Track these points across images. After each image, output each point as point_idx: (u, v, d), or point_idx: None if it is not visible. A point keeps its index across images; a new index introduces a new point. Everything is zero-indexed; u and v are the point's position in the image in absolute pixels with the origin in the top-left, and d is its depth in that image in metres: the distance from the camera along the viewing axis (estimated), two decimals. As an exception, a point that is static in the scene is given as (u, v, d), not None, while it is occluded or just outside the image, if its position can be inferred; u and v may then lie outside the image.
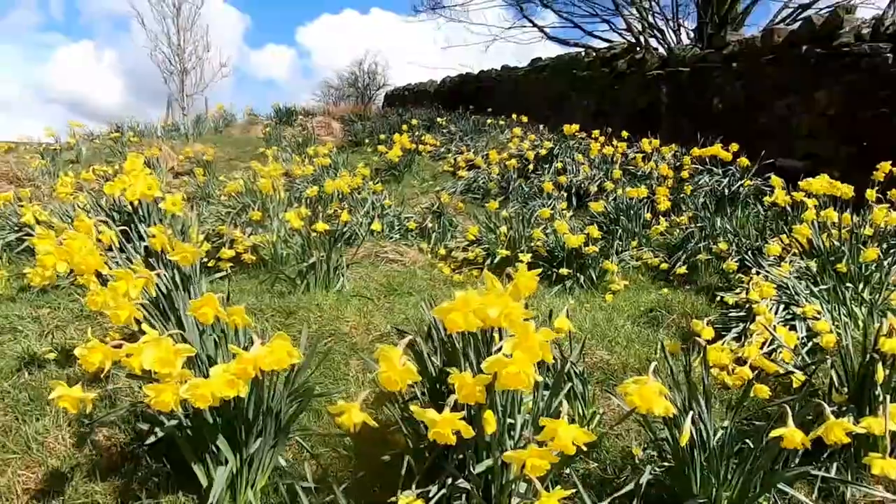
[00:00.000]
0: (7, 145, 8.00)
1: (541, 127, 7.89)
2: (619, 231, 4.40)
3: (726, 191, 5.06)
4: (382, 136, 7.50)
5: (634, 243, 4.37)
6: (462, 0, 11.56)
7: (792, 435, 1.26)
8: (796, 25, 6.03)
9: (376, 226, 3.86)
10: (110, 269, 1.89)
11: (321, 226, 2.85)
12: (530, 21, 10.90)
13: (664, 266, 3.99)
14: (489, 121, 8.51)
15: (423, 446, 1.43)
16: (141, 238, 2.60)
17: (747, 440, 1.55)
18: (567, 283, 3.83)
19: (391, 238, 4.42)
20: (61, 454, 1.66)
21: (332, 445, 1.76)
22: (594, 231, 3.95)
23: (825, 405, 1.30)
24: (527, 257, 3.89)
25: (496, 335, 1.48)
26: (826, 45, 5.20)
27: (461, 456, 1.39)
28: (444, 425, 1.10)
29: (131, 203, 2.73)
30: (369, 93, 19.75)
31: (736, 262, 3.49)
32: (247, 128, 9.56)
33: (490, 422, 1.20)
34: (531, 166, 5.96)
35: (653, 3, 8.83)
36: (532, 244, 4.12)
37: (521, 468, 1.10)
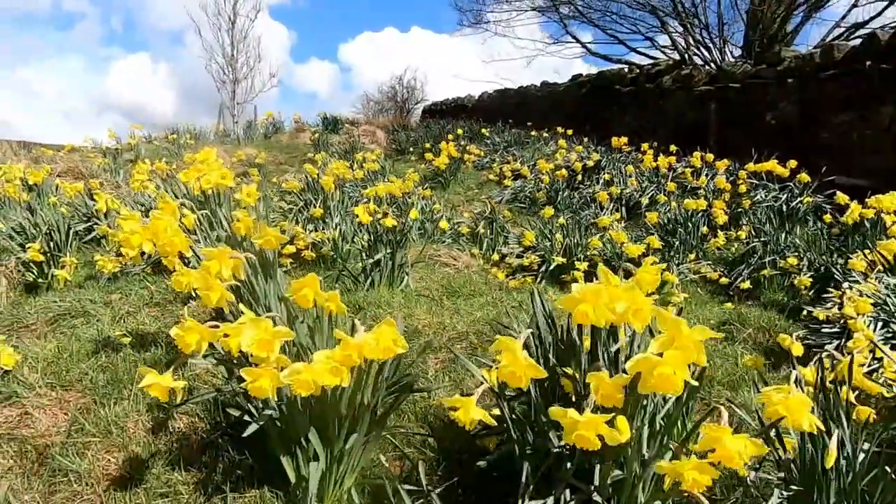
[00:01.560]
0: (70, 146, 8.27)
1: (585, 140, 7.71)
2: (677, 243, 4.19)
3: (784, 207, 4.80)
4: (428, 145, 7.43)
5: (692, 256, 4.15)
6: (506, 16, 11.50)
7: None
8: (855, 42, 5.74)
9: (444, 224, 3.76)
10: (194, 252, 1.81)
11: (390, 221, 2.74)
12: (573, 37, 10.77)
13: (724, 280, 3.76)
14: (532, 133, 8.38)
15: (530, 452, 1.27)
16: (212, 227, 2.52)
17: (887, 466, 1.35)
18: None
19: (443, 242, 4.30)
20: (141, 440, 1.56)
21: (415, 445, 1.62)
22: (654, 241, 3.76)
23: None
24: (583, 265, 3.73)
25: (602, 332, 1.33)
26: (891, 61, 4.92)
27: (573, 465, 1.23)
28: (588, 428, 0.95)
29: (203, 192, 2.67)
30: (407, 107, 19.82)
31: (808, 277, 3.25)
32: (294, 134, 9.63)
33: (623, 429, 1.05)
34: (579, 177, 5.78)
35: (699, 20, 8.62)
36: (588, 252, 3.94)
37: (675, 483, 0.93)
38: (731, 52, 9.22)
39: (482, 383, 1.62)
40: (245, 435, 1.22)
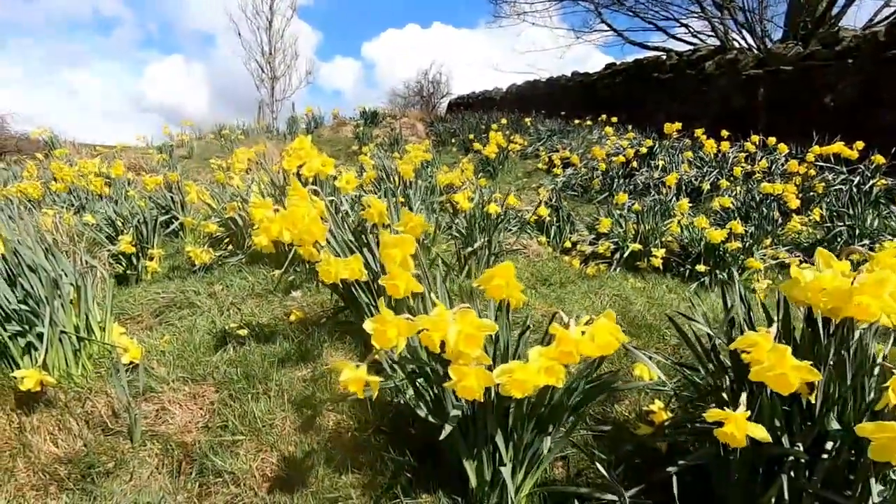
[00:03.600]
0: (122, 144, 8.31)
1: (629, 127, 7.42)
2: (752, 229, 3.94)
3: (855, 190, 4.49)
4: (471, 136, 7.22)
5: (767, 241, 3.89)
6: (540, 6, 11.15)
7: None
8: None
9: (542, 211, 3.57)
10: (328, 241, 1.66)
11: (493, 208, 2.57)
12: (608, 25, 10.40)
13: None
14: (575, 121, 8.09)
15: (735, 460, 1.09)
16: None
17: None
18: (704, 279, 3.42)
19: (509, 230, 4.11)
20: (292, 439, 1.42)
21: (576, 446, 1.45)
22: (737, 226, 3.51)
23: None
24: (661, 252, 3.51)
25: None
26: (967, 38, 4.55)
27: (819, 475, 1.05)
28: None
29: (300, 179, 2.52)
30: (433, 100, 19.60)
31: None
32: (336, 129, 9.49)
33: None
34: (634, 164, 5.53)
35: (738, 2, 8.20)
36: (664, 239, 3.72)
37: None
38: (771, 39, 8.78)
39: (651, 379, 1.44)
40: (441, 437, 1.06)
